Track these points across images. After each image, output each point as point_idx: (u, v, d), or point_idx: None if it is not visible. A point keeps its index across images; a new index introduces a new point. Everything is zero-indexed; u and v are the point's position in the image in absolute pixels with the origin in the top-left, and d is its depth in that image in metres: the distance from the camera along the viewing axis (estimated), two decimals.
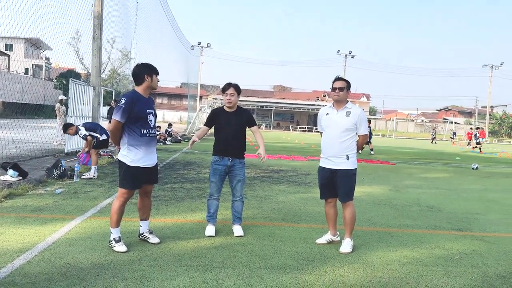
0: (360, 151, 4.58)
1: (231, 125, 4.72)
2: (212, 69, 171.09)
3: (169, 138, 20.34)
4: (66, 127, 8.57)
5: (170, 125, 22.31)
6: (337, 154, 4.35)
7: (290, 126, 60.98)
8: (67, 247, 4.05)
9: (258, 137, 4.91)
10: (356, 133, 4.43)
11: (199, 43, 49.13)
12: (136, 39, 18.47)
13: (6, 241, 4.10)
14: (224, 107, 4.83)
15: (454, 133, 43.69)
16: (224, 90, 4.77)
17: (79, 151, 11.78)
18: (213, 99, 61.30)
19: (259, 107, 61.15)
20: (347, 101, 4.45)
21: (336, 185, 4.40)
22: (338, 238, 4.65)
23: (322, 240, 4.62)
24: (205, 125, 5.00)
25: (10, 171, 7.00)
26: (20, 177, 7.04)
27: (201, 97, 52.77)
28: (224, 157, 4.71)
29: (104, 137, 8.37)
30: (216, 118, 4.82)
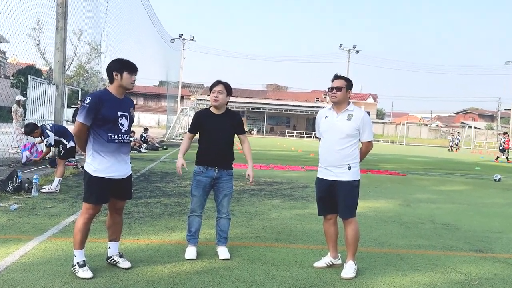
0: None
1: (217, 130, 4.70)
2: (196, 65, 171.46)
3: (144, 145, 20.29)
4: (31, 129, 8.38)
5: (146, 129, 22.27)
6: (337, 163, 4.37)
7: (286, 131, 61.24)
8: (23, 273, 4.00)
9: (246, 150, 4.92)
10: (359, 140, 4.46)
11: (181, 35, 49.19)
12: (106, 31, 18.47)
13: None
14: (211, 108, 4.83)
15: (458, 139, 44.07)
16: (211, 87, 4.77)
17: (40, 160, 11.71)
18: (197, 99, 61.36)
19: (250, 109, 61.36)
20: (349, 103, 4.48)
21: (336, 199, 4.41)
22: (340, 261, 4.66)
23: (321, 263, 4.62)
24: (188, 131, 4.99)
25: None
26: None
27: (182, 98, 52.75)
28: (209, 168, 4.70)
29: (71, 144, 8.32)
30: (201, 121, 4.81)
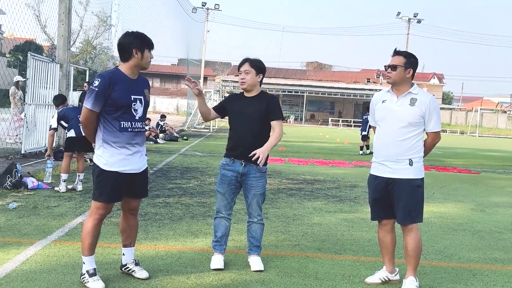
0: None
1: (246, 115, 4.73)
2: (222, 40, 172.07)
3: (161, 134, 20.59)
4: (60, 102, 8.78)
5: (163, 116, 22.61)
6: (396, 157, 4.33)
7: (330, 118, 60.78)
8: (24, 282, 4.15)
9: (273, 135, 4.77)
10: (424, 130, 4.40)
11: (204, 4, 49.47)
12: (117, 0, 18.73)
13: None
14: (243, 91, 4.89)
15: None
16: (239, 67, 4.82)
17: (41, 151, 12.10)
18: (222, 80, 61.78)
19: (286, 92, 61.19)
20: (412, 84, 4.41)
21: (394, 201, 4.38)
22: (398, 277, 4.63)
23: (375, 278, 4.60)
24: (213, 108, 5.03)
25: None
26: None
27: (205, 79, 53.25)
28: (235, 161, 4.74)
29: (71, 133, 8.46)
30: (229, 103, 4.84)
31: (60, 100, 8.90)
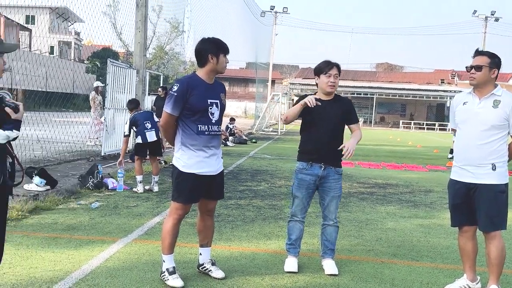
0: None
1: (327, 119, 4.71)
2: (289, 43, 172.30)
3: (231, 137, 20.86)
4: (135, 106, 9.02)
5: (232, 120, 22.91)
6: (478, 162, 4.18)
7: (401, 121, 59.36)
8: (108, 278, 4.35)
9: (356, 132, 4.85)
10: (508, 133, 4.22)
11: (272, 8, 49.73)
12: (190, 6, 19.17)
13: (34, 268, 4.51)
14: (318, 92, 4.83)
15: None
16: (321, 70, 4.75)
17: (119, 153, 12.58)
18: (290, 83, 61.79)
19: (355, 95, 60.27)
20: (496, 85, 4.25)
21: (476, 207, 4.23)
22: (479, 285, 4.48)
23: (455, 286, 4.46)
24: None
25: (36, 179, 7.67)
26: (48, 186, 7.69)
27: (273, 82, 53.41)
28: (314, 164, 4.74)
29: (138, 139, 8.69)
30: (308, 108, 4.80)
31: (133, 104, 9.14)
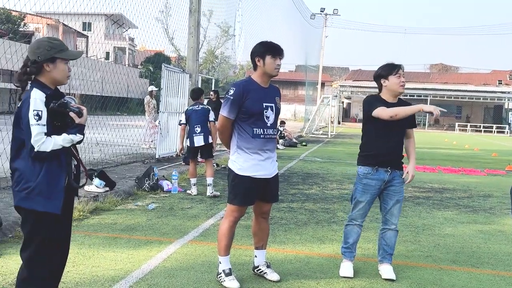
0: None
1: (398, 123, 4.63)
2: (339, 45, 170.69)
3: (281, 140, 20.88)
4: (198, 95, 8.95)
5: (282, 123, 22.89)
6: None
7: (456, 123, 57.65)
8: (167, 278, 4.47)
9: (411, 145, 4.86)
10: None
11: (322, 10, 49.44)
12: (241, 10, 19.33)
13: (96, 267, 4.69)
14: (384, 95, 4.69)
15: None
16: (390, 72, 4.63)
17: (172, 156, 12.89)
18: (340, 86, 61.21)
19: (409, 96, 58.96)
20: None
21: None
22: None
23: None
24: (378, 106, 4.60)
25: (96, 180, 7.95)
26: (107, 188, 7.95)
27: (323, 84, 53.09)
28: (379, 169, 4.67)
29: (187, 142, 8.76)
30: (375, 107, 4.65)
31: (196, 94, 9.04)
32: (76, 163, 3.36)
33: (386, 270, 4.72)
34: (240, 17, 20.39)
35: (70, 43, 44.20)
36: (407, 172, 4.69)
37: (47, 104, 3.09)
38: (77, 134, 3.17)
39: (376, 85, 4.76)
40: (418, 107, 4.55)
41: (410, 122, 4.79)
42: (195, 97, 8.98)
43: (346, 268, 4.76)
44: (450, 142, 31.65)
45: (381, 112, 4.53)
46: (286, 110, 65.30)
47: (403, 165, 4.78)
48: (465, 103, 60.84)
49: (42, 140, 3.02)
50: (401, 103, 4.75)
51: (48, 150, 3.04)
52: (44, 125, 3.05)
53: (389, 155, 4.64)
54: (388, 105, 4.63)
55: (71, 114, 3.17)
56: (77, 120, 3.18)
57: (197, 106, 8.80)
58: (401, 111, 4.52)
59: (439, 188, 10.69)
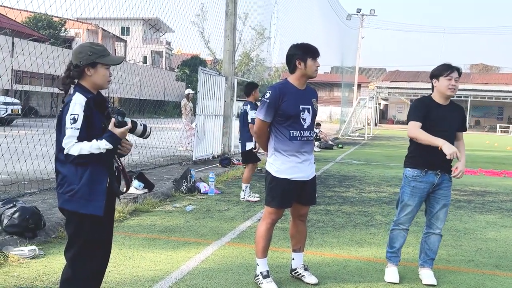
0: None
1: (446, 125, 4.55)
2: (375, 46, 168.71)
3: (317, 142, 20.80)
4: (250, 89, 8.29)
5: (318, 125, 22.76)
6: None
7: (498, 125, 56.24)
8: (205, 279, 4.51)
9: (461, 147, 4.75)
10: None
11: (359, 11, 48.96)
12: (277, 13, 19.32)
13: (136, 267, 4.76)
14: (435, 95, 4.61)
15: None
16: (442, 72, 4.53)
17: (209, 158, 12.99)
18: (377, 87, 60.48)
19: None
20: None
21: None
22: None
23: None
24: (415, 120, 4.55)
25: (135, 182, 8.07)
26: (146, 190, 8.05)
27: (359, 86, 52.54)
28: (428, 172, 4.57)
29: (250, 145, 8.21)
30: (427, 112, 4.55)
31: (248, 89, 8.46)
32: (117, 165, 3.41)
33: (427, 275, 4.64)
34: (275, 19, 20.39)
35: (109, 47, 45.11)
36: (456, 168, 4.50)
37: (87, 108, 3.13)
38: (105, 141, 3.11)
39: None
40: (439, 143, 4.35)
41: (461, 125, 4.72)
42: (248, 92, 8.41)
43: (392, 274, 4.68)
44: (491, 144, 30.91)
45: (409, 126, 4.56)
46: (322, 112, 64.85)
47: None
48: (507, 104, 59.24)
49: (71, 143, 3.06)
50: (452, 106, 4.66)
51: (75, 154, 3.06)
52: (78, 129, 3.08)
53: (438, 157, 4.49)
54: (441, 108, 4.57)
55: (113, 120, 3.20)
56: (110, 127, 3.17)
57: (246, 105, 8.31)
58: (423, 138, 4.44)
59: (481, 191, 10.45)
